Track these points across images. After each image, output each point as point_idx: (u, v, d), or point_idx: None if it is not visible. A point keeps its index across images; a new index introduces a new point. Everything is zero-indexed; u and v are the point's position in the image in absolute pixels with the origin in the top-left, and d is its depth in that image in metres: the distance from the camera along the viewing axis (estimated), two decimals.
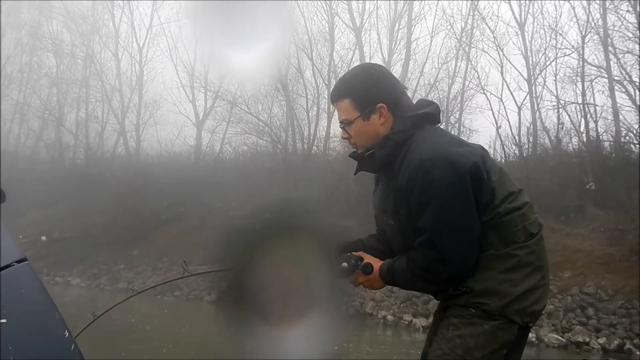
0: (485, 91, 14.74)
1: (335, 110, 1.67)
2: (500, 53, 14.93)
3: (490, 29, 15.05)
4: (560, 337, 8.99)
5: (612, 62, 14.29)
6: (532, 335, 9.33)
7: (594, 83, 14.32)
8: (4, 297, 0.81)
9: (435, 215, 1.45)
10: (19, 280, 0.87)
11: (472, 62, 15.23)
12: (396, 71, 16.87)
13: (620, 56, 13.97)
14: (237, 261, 1.45)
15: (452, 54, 16.86)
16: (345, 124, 1.63)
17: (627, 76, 13.87)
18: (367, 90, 1.57)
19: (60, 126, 23.47)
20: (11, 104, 24.35)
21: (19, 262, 0.90)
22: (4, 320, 0.78)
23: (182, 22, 21.67)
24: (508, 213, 1.48)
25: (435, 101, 1.70)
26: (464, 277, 1.49)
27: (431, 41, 17.35)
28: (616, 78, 13.91)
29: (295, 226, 1.54)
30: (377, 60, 17.87)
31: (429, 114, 1.60)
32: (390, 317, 10.86)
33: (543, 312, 1.54)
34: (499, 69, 15.09)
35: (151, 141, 23.14)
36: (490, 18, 15.56)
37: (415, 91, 17.13)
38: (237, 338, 1.39)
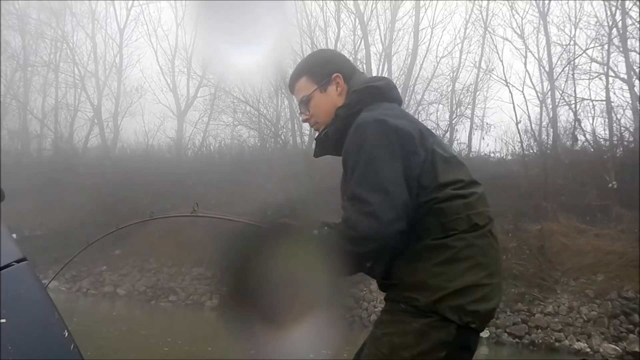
0: (508, 83, 14.34)
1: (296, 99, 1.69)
2: (524, 43, 14.56)
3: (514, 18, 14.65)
4: (617, 348, 8.60)
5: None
6: (584, 345, 8.94)
7: (615, 80, 14.12)
8: (4, 297, 0.83)
9: (364, 171, 1.40)
10: (18, 280, 0.89)
11: (496, 51, 14.81)
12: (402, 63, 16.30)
13: None
14: (235, 262, 1.41)
15: (460, 43, 16.50)
16: (304, 101, 1.64)
17: None
18: (323, 64, 1.63)
19: (26, 112, 21.89)
20: None
21: (18, 262, 0.91)
22: (3, 320, 0.79)
23: (162, 4, 20.60)
24: (450, 199, 1.40)
25: (388, 77, 1.66)
26: (385, 250, 1.41)
27: (432, 33, 16.90)
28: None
29: (295, 224, 1.55)
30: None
31: (376, 87, 1.58)
32: None
33: (499, 315, 1.43)
34: (523, 59, 14.76)
35: (128, 132, 21.94)
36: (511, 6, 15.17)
37: (430, 82, 16.67)
38: (242, 345, 1.34)
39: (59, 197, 18.15)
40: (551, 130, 15.40)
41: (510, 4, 15.29)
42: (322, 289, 1.38)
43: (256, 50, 1.52)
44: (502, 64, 14.04)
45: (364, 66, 17.86)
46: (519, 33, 15.02)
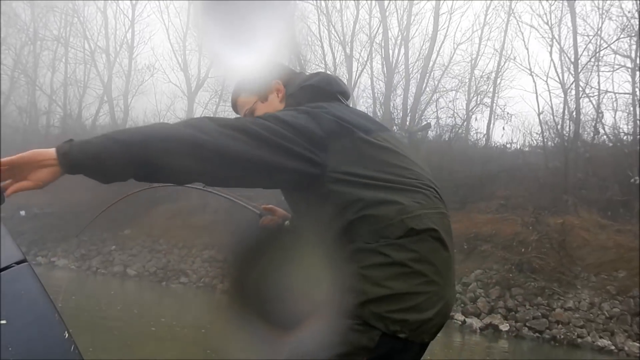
0: (532, 72, 14.06)
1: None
2: (550, 31, 14.24)
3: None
4: None
5: None
6: (607, 343, 8.81)
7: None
8: (4, 298, 0.83)
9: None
10: (18, 281, 0.90)
11: (522, 38, 14.43)
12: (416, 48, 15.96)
13: None
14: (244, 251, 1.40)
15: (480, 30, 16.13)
16: (247, 116, 1.56)
17: None
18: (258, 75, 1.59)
19: (35, 88, 21.68)
20: None
21: (18, 263, 0.92)
22: (3, 322, 0.80)
23: None
24: (380, 203, 1.29)
25: (323, 72, 1.60)
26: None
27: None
28: None
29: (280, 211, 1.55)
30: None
31: (310, 86, 1.50)
32: None
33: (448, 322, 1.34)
34: (549, 48, 14.45)
35: (138, 110, 21.74)
36: None
37: (448, 69, 16.37)
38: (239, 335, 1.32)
39: (68, 175, 18.03)
40: (572, 122, 15.12)
41: None
42: (324, 288, 1.31)
43: (258, 46, 1.45)
44: (528, 52, 13.67)
45: (382, 50, 17.60)
46: (546, 20, 14.66)
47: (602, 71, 14.75)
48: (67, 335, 0.87)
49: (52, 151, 1.13)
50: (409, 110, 17.28)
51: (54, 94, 22.52)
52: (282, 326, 1.29)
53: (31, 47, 22.37)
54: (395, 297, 1.25)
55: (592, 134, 15.03)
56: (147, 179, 1.21)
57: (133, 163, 1.14)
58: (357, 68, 17.50)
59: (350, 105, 1.56)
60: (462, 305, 10.44)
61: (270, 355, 1.32)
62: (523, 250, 11.71)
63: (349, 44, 17.31)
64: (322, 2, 17.39)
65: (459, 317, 10.00)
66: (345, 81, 18.53)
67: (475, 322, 9.68)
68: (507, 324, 9.61)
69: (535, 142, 17.00)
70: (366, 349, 1.25)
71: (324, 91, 1.49)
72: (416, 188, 1.34)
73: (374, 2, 17.80)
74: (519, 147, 16.83)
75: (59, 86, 22.66)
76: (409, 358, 1.31)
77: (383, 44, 16.97)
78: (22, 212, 16.07)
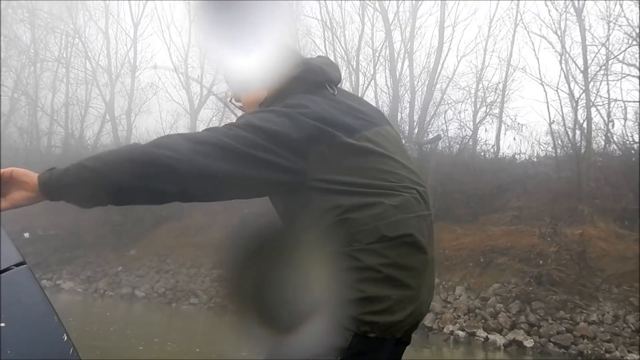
0: (543, 82, 13.97)
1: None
2: (560, 41, 14.19)
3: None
4: None
5: None
6: (637, 357, 8.59)
7: None
8: (3, 301, 0.83)
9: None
10: (17, 283, 0.90)
11: (532, 48, 14.38)
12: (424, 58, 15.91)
13: None
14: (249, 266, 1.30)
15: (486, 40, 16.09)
16: (236, 99, 1.62)
17: None
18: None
19: (37, 109, 21.56)
20: None
21: (17, 265, 0.92)
22: (2, 324, 0.80)
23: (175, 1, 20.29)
24: (357, 208, 1.28)
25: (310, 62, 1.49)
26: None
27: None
28: None
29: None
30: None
31: (295, 79, 1.43)
32: (460, 333, 9.91)
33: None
34: (558, 57, 14.39)
35: (141, 130, 21.62)
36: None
37: (452, 81, 16.30)
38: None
39: None
40: (579, 131, 15.03)
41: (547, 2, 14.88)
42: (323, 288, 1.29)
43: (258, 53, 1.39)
44: (538, 62, 13.60)
45: (388, 63, 17.55)
46: (554, 29, 14.63)
47: (611, 80, 14.69)
48: (65, 337, 0.87)
49: (35, 178, 1.19)
50: (415, 123, 17.19)
51: (55, 114, 22.38)
52: (261, 328, 1.28)
53: (32, 69, 22.29)
54: (366, 300, 1.26)
55: (602, 143, 14.91)
56: (124, 203, 1.23)
57: (106, 189, 1.17)
58: (364, 82, 17.45)
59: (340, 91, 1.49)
60: (483, 321, 10.21)
61: (251, 356, 1.32)
62: (541, 262, 11.51)
63: (355, 58, 17.27)
64: (327, 15, 17.35)
65: (481, 333, 9.77)
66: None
67: (499, 339, 9.44)
68: (532, 340, 9.37)
69: (544, 152, 16.89)
70: (340, 349, 1.26)
71: (310, 82, 1.43)
72: (396, 191, 1.32)
73: (377, 16, 17.81)
74: (527, 157, 16.68)
75: (60, 106, 22.55)
76: (385, 354, 1.33)
77: (389, 57, 16.92)
78: (26, 234, 15.82)
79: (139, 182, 1.17)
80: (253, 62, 1.36)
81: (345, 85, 17.80)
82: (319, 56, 1.59)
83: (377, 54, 16.97)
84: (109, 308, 12.48)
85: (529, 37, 14.85)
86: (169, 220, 17.22)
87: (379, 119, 1.46)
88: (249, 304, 1.28)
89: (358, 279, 1.27)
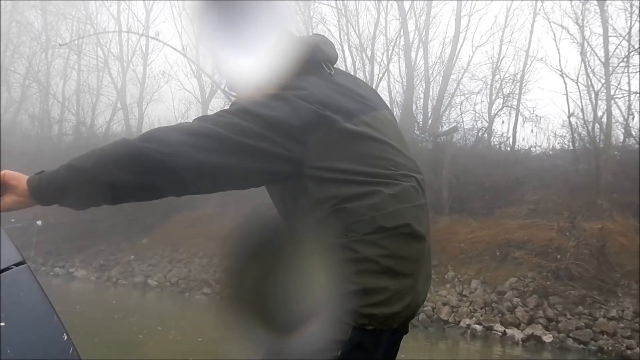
0: (563, 73, 13.74)
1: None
2: (580, 32, 13.93)
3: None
4: None
5: None
6: None
7: None
8: (3, 301, 0.83)
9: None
10: (17, 283, 0.90)
11: (553, 39, 14.14)
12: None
13: None
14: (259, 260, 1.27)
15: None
16: (230, 89, 1.57)
17: None
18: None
19: (49, 96, 21.55)
20: None
21: (17, 265, 0.92)
22: (2, 324, 0.80)
23: None
24: (354, 198, 1.24)
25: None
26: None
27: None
28: None
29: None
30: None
31: (291, 59, 1.34)
32: (477, 327, 9.82)
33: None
34: (578, 49, 14.14)
35: (152, 118, 21.57)
36: None
37: (467, 71, 16.07)
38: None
39: None
40: (598, 124, 14.79)
41: None
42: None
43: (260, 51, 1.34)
44: (559, 52, 13.37)
45: (403, 53, 17.35)
46: (575, 20, 14.36)
47: (632, 72, 14.41)
48: (65, 337, 0.86)
49: (24, 182, 1.17)
50: (430, 114, 17.02)
51: (66, 101, 22.38)
52: (259, 324, 1.25)
53: (43, 55, 22.26)
54: (364, 293, 1.25)
55: (621, 136, 14.68)
56: (119, 201, 1.20)
57: (99, 189, 1.14)
58: (379, 71, 17.27)
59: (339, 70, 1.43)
60: (500, 315, 10.12)
61: (248, 353, 1.31)
62: (559, 257, 11.38)
63: (370, 46, 17.07)
64: (341, 3, 17.16)
65: (499, 327, 9.69)
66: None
67: (517, 334, 9.35)
68: (550, 335, 9.28)
69: (560, 144, 16.67)
70: (340, 343, 1.25)
71: (307, 61, 1.35)
72: (395, 180, 1.30)
73: (392, 4, 17.58)
74: (543, 150, 16.47)
75: (71, 94, 22.54)
76: (383, 345, 1.32)
77: (404, 47, 16.72)
78: (39, 222, 15.87)
79: (131, 179, 1.14)
80: (247, 61, 1.31)
81: (360, 74, 17.63)
82: (314, 34, 1.52)
83: (392, 43, 16.76)
84: (118, 296, 12.53)
85: (550, 27, 14.56)
86: (181, 210, 17.19)
87: (376, 102, 1.42)
88: (246, 299, 1.25)
89: (355, 271, 1.26)
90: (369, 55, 16.85)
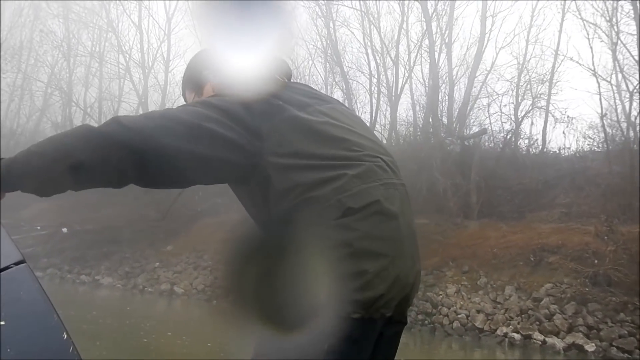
0: (595, 73, 13.42)
1: None
2: (614, 30, 13.60)
3: None
4: None
5: None
6: None
7: None
8: (3, 300, 0.84)
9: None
10: (17, 282, 0.90)
11: (587, 37, 13.84)
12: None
13: None
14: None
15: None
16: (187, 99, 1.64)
17: None
18: (192, 73, 1.61)
19: (71, 104, 21.73)
20: (11, 78, 22.60)
21: (17, 264, 0.93)
22: (2, 322, 0.81)
23: None
24: (318, 185, 1.24)
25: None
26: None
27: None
28: None
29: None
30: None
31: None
32: (515, 335, 9.56)
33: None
34: (611, 47, 13.81)
35: None
36: None
37: (491, 72, 15.82)
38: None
39: (107, 191, 17.93)
40: (629, 125, 14.42)
41: None
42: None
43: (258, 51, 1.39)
44: (592, 51, 13.07)
45: (425, 54, 17.15)
46: (608, 18, 14.05)
47: None
48: (65, 336, 0.86)
49: None
50: (454, 117, 16.78)
51: (88, 108, 22.56)
52: (243, 321, 1.25)
53: (65, 63, 22.48)
54: (342, 279, 1.23)
55: None
56: (82, 187, 1.18)
57: (60, 174, 1.11)
58: (404, 74, 17.09)
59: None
60: (538, 323, 9.84)
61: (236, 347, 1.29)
62: (596, 262, 11.06)
63: (395, 48, 16.91)
64: (363, 4, 17.03)
65: (538, 336, 9.41)
66: (391, 88, 18.36)
67: (558, 342, 9.07)
68: (593, 344, 8.98)
69: (590, 146, 16.30)
70: (327, 335, 1.22)
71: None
72: (358, 161, 1.29)
73: (412, 6, 17.41)
74: (573, 151, 16.12)
75: (93, 101, 22.72)
76: (374, 336, 1.29)
77: (428, 48, 16.52)
78: (64, 230, 15.98)
79: (91, 163, 1.12)
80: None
81: (381, 78, 17.46)
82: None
83: (417, 44, 16.57)
84: (143, 303, 12.48)
85: (584, 25, 14.23)
86: (205, 215, 17.18)
87: (331, 99, 1.45)
88: (233, 298, 1.25)
89: (334, 257, 1.24)
90: (393, 57, 16.66)
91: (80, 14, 21.75)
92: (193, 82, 1.61)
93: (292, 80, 1.52)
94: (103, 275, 14.76)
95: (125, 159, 1.14)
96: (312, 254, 1.23)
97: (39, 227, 15.51)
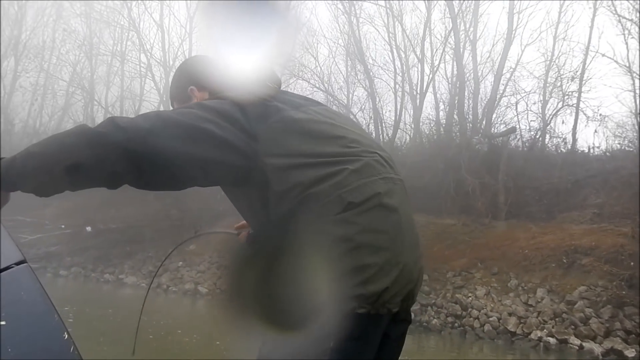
0: (631, 70, 13.08)
1: None
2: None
3: None
4: None
5: None
6: None
7: None
8: (3, 300, 0.84)
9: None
10: (18, 282, 0.91)
11: (622, 33, 13.49)
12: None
13: None
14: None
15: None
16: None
17: None
18: (178, 83, 1.63)
19: (93, 102, 21.86)
20: (34, 77, 22.82)
21: (18, 264, 0.93)
22: (3, 323, 0.81)
23: None
24: (317, 182, 1.25)
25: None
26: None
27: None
28: None
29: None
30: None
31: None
32: (550, 340, 9.32)
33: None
34: None
35: None
36: None
37: (518, 70, 15.46)
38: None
39: (130, 190, 17.97)
40: None
41: None
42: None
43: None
44: (627, 48, 12.70)
45: (451, 52, 16.91)
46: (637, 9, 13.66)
47: None
48: (66, 336, 0.86)
49: None
50: (480, 116, 16.51)
51: (110, 107, 22.68)
52: (250, 325, 1.23)
53: (87, 62, 22.62)
54: (346, 274, 1.23)
55: None
56: (80, 187, 1.18)
57: (58, 174, 1.12)
58: (430, 71, 16.87)
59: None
60: (573, 327, 9.59)
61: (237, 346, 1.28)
62: (632, 264, 10.76)
63: (420, 46, 16.69)
64: (388, 2, 16.84)
65: (574, 340, 9.16)
66: (415, 86, 18.19)
67: (596, 347, 8.82)
68: (633, 350, 8.71)
69: (620, 144, 15.92)
70: (332, 333, 1.21)
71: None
72: (355, 157, 1.30)
73: (437, 4, 17.18)
74: (603, 150, 15.74)
75: (114, 100, 22.84)
76: (380, 333, 1.29)
77: (454, 46, 16.27)
78: (88, 228, 16.06)
79: (88, 163, 1.12)
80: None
81: (406, 76, 17.26)
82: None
83: (442, 42, 16.34)
84: (166, 303, 12.45)
85: (619, 21, 13.86)
86: (226, 215, 17.14)
87: (322, 103, 1.49)
88: (233, 301, 1.25)
89: (336, 253, 1.24)
90: (419, 55, 16.45)
91: (102, 13, 21.89)
92: (177, 92, 1.62)
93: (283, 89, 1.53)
94: (127, 274, 14.80)
95: (121, 160, 1.14)
96: (314, 251, 1.23)
97: (62, 226, 15.60)
